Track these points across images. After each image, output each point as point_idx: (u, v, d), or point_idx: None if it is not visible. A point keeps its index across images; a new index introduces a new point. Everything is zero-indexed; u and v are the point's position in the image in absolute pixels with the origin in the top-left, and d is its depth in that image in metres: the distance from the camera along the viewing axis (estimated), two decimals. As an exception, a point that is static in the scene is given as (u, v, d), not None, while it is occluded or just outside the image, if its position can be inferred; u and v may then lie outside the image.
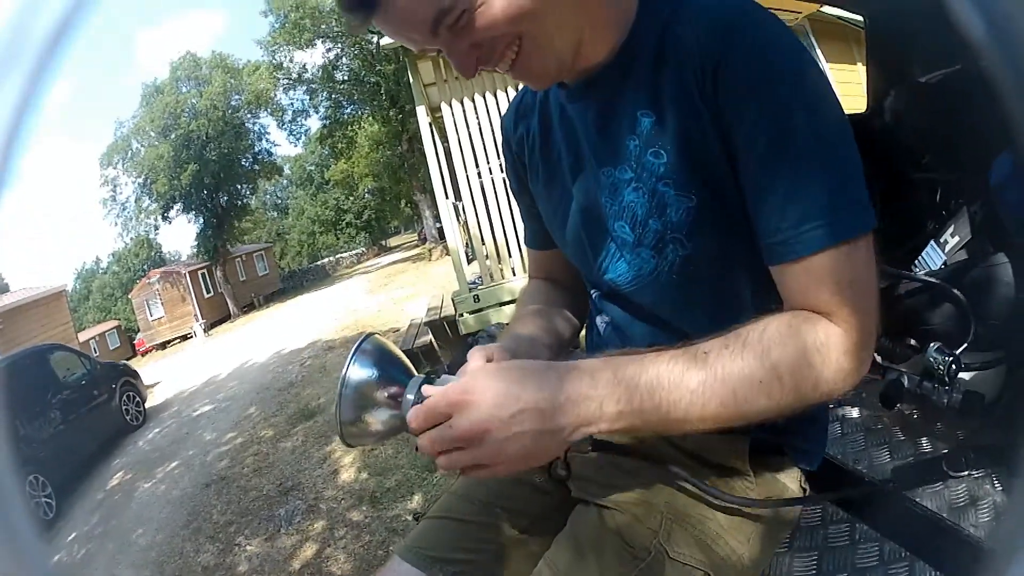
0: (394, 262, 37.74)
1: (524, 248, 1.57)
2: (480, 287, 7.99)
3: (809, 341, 0.93)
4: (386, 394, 1.01)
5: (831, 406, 2.02)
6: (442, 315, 8.70)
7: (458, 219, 8.83)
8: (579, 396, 0.93)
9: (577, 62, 1.09)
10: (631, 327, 1.25)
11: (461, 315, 7.79)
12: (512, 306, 7.01)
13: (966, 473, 1.53)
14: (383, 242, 64.74)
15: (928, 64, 1.87)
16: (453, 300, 8.08)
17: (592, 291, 1.34)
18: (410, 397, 1.00)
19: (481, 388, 0.93)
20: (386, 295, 20.16)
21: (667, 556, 1.11)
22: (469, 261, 9.73)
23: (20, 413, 11.75)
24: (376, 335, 1.08)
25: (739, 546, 1.16)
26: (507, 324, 1.43)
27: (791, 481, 1.25)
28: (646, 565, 1.09)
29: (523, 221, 1.53)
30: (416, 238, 51.28)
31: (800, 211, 0.93)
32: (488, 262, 8.10)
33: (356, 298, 23.00)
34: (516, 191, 1.47)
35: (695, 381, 0.92)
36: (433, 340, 8.51)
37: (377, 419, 1.02)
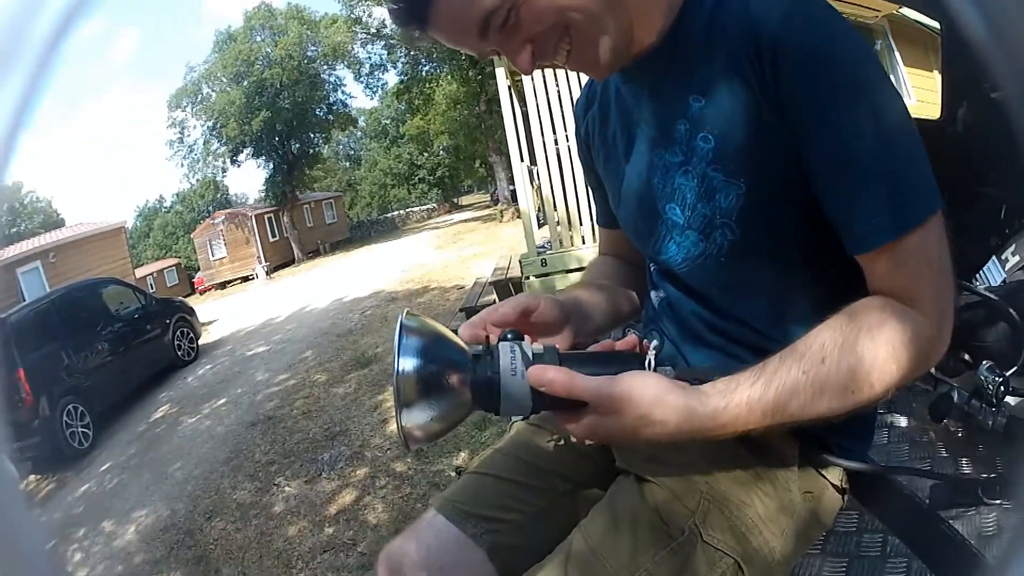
0: (464, 220, 37.69)
1: (595, 217, 1.59)
2: (548, 252, 7.95)
3: (899, 336, 0.95)
4: (448, 381, 0.96)
5: (880, 411, 2.00)
6: (508, 276, 8.67)
7: (532, 183, 8.78)
8: (699, 429, 0.96)
9: (632, 47, 1.09)
10: (683, 305, 1.25)
11: (527, 278, 7.76)
12: (578, 274, 7.01)
13: (999, 502, 1.50)
14: (455, 200, 64.59)
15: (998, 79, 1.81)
16: (520, 262, 8.04)
17: (650, 265, 1.35)
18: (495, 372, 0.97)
19: (598, 429, 0.97)
20: (454, 252, 20.20)
21: (700, 539, 1.11)
22: (540, 225, 9.66)
23: (66, 343, 12.08)
24: (410, 312, 1.02)
25: (773, 538, 1.15)
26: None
27: (833, 478, 1.25)
28: (677, 545, 1.10)
29: (594, 200, 1.55)
30: (488, 198, 51.06)
31: (872, 201, 0.95)
32: (559, 228, 8.04)
33: (424, 252, 23.08)
34: (585, 171, 1.49)
35: (796, 407, 0.95)
36: (497, 300, 8.53)
37: (443, 409, 0.96)
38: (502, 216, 28.55)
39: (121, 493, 7.58)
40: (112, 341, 13.21)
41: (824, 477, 1.24)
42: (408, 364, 0.93)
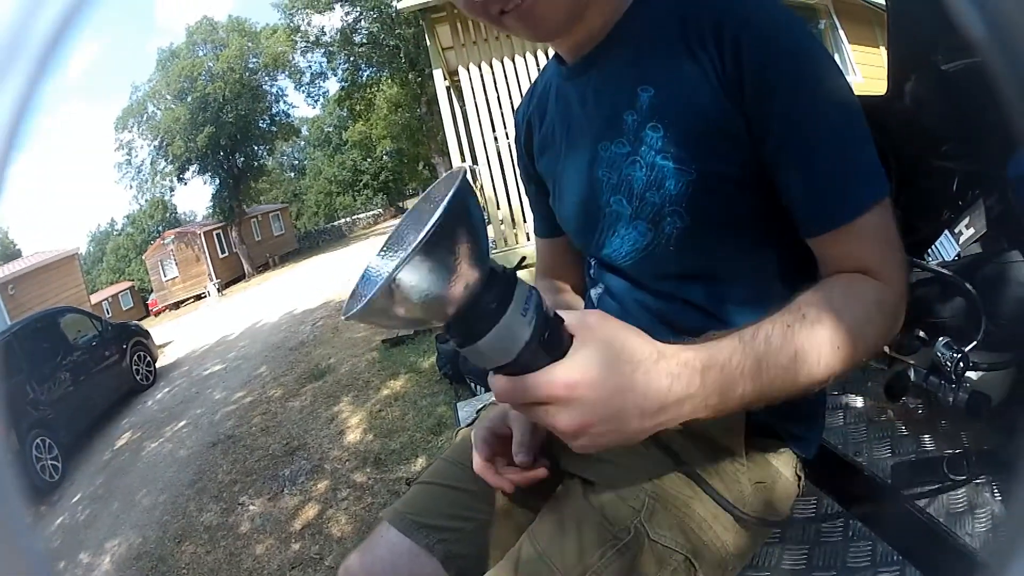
0: (411, 225, 37.62)
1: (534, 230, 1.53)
2: (494, 251, 7.97)
3: (870, 299, 0.96)
4: (458, 271, 0.73)
5: (834, 392, 1.98)
6: (456, 278, 8.66)
7: (474, 182, 8.79)
8: (686, 395, 0.84)
9: (580, 22, 1.08)
10: (627, 296, 1.23)
11: (473, 278, 7.76)
12: (524, 271, 7.03)
13: (966, 478, 1.49)
14: (400, 204, 64.47)
15: (950, 51, 1.81)
16: (466, 263, 8.05)
17: (591, 262, 1.33)
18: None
19: (588, 384, 0.80)
20: (402, 257, 20.10)
21: (647, 537, 1.08)
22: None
23: (30, 377, 11.91)
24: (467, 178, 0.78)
25: (724, 532, 1.13)
26: None
27: (785, 467, 1.22)
28: (624, 545, 1.07)
29: (532, 212, 1.52)
30: (433, 200, 51.08)
31: (836, 181, 0.98)
32: (503, 226, 8.07)
33: (371, 259, 22.91)
34: (525, 180, 1.48)
35: (786, 358, 0.88)
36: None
37: (436, 287, 0.72)
38: (448, 217, 28.62)
39: (94, 524, 7.49)
40: (72, 371, 13.04)
41: (775, 465, 1.22)
42: (449, 220, 0.70)
